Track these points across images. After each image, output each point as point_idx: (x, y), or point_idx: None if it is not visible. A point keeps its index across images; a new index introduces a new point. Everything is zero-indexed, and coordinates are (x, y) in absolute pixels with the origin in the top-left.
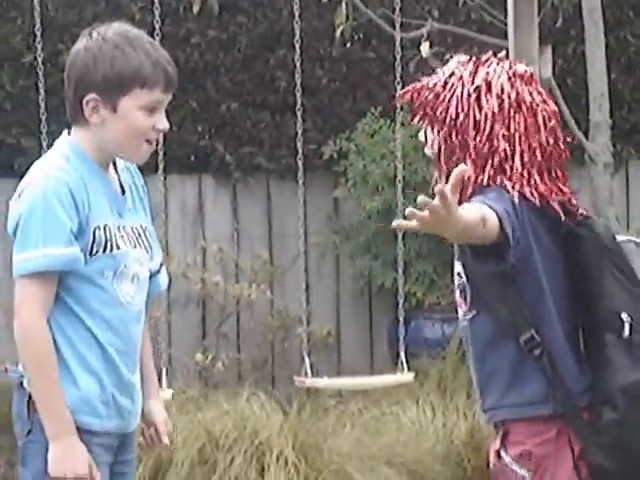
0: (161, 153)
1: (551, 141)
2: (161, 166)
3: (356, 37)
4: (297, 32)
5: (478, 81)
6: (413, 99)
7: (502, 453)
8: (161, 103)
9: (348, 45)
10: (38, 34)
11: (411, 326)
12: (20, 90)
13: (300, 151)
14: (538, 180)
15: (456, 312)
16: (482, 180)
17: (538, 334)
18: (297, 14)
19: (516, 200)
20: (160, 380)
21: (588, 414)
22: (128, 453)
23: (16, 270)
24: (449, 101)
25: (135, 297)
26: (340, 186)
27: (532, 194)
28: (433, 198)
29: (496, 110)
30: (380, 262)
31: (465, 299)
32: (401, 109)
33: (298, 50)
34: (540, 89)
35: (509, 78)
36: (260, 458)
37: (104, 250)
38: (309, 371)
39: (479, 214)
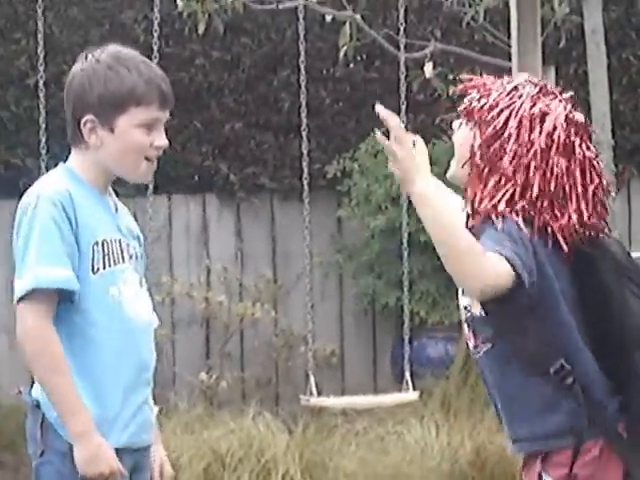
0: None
1: (580, 186)
2: (149, 186)
3: (359, 58)
4: (301, 53)
5: (536, 108)
6: (477, 90)
7: (544, 476)
8: (159, 120)
9: (352, 66)
10: (41, 56)
11: (414, 345)
12: (25, 111)
13: (306, 171)
14: (560, 217)
15: (459, 331)
16: (498, 201)
17: (567, 362)
18: (301, 35)
19: (525, 231)
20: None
21: (626, 432)
22: (143, 477)
23: (16, 293)
24: (502, 111)
25: (141, 310)
26: (344, 205)
27: (547, 229)
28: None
29: (542, 145)
30: (384, 281)
31: (474, 333)
32: (406, 128)
33: (303, 71)
34: (589, 143)
35: (566, 118)
36: (266, 477)
37: (104, 266)
38: (314, 390)
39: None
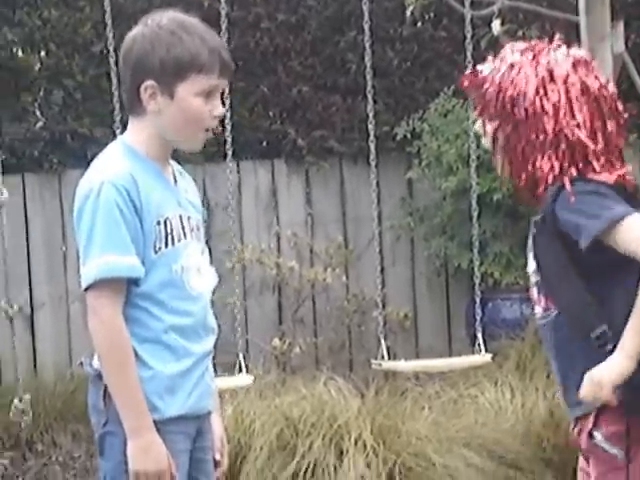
0: (229, 140)
1: (613, 126)
2: (229, 152)
3: (426, 16)
4: (366, 13)
5: (541, 71)
6: (473, 90)
7: (595, 432)
8: (217, 88)
9: (419, 25)
10: (109, 22)
11: (489, 307)
12: (91, 79)
13: (372, 133)
14: (608, 165)
15: None
16: (555, 169)
17: (610, 329)
18: None
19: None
20: (238, 367)
21: None
22: (206, 440)
23: (83, 281)
24: (511, 94)
25: (203, 289)
26: (414, 167)
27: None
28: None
29: (563, 99)
30: (456, 243)
31: (541, 297)
32: None
33: (368, 31)
34: (598, 74)
35: (573, 65)
36: (339, 442)
37: (166, 245)
38: (386, 354)
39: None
